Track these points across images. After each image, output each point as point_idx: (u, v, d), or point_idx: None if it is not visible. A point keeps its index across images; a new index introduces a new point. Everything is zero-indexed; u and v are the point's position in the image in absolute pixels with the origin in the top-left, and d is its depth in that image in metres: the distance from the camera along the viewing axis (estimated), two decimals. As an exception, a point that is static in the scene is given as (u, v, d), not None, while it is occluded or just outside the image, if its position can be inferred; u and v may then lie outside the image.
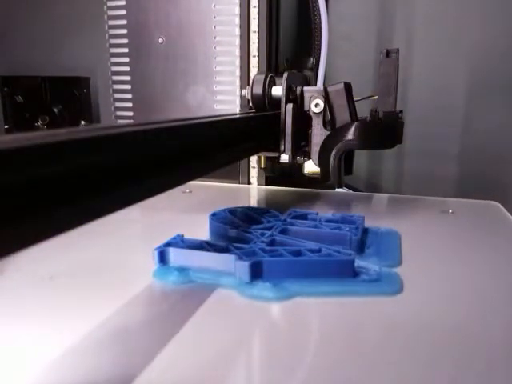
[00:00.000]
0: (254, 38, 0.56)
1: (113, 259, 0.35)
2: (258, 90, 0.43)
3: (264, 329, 0.25)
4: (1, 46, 1.03)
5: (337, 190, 0.74)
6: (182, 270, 0.30)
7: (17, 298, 0.29)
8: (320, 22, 0.57)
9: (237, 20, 0.56)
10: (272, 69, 0.58)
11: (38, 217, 0.15)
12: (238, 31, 0.57)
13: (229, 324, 0.25)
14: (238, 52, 0.57)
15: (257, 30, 0.56)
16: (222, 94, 0.59)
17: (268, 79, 0.43)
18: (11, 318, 0.26)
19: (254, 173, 0.61)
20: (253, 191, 0.60)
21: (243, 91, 0.46)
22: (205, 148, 0.29)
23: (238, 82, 0.58)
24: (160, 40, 0.61)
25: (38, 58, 1.01)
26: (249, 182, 0.61)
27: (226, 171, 0.60)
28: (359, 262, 0.31)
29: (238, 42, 0.57)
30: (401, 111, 0.43)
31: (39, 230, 0.15)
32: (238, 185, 0.61)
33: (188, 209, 0.49)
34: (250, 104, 0.44)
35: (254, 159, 0.60)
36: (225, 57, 0.58)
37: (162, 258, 0.31)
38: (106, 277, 0.32)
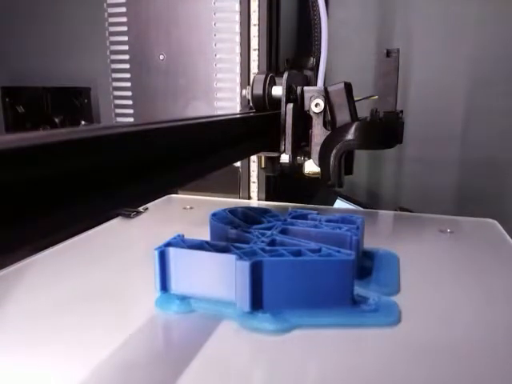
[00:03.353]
0: (254, 55, 0.57)
1: (115, 283, 0.35)
2: (259, 90, 0.43)
3: (266, 365, 0.25)
4: (3, 56, 1.03)
5: (336, 205, 0.75)
6: (184, 298, 0.31)
7: (24, 326, 0.29)
8: (320, 22, 0.57)
9: (237, 38, 0.57)
10: (272, 69, 0.58)
11: (37, 217, 0.15)
12: (238, 49, 0.58)
13: (231, 360, 0.25)
14: (238, 69, 0.58)
15: (257, 47, 0.57)
16: (223, 110, 0.60)
17: (268, 79, 0.43)
18: (22, 349, 0.26)
19: (254, 187, 0.62)
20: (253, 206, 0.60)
21: (243, 91, 0.46)
22: (205, 148, 0.29)
23: (238, 99, 0.59)
24: (161, 57, 0.61)
25: (40, 70, 1.01)
26: (249, 197, 0.62)
27: (226, 186, 0.61)
28: (358, 290, 0.31)
29: (238, 59, 0.58)
30: (401, 111, 0.43)
31: (39, 230, 0.15)
32: (238, 200, 0.62)
33: (189, 226, 0.49)
34: (251, 104, 0.44)
35: (254, 174, 0.61)
36: (225, 74, 0.59)
37: (164, 285, 0.31)
38: (109, 303, 0.32)
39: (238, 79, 0.58)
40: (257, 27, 0.56)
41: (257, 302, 0.28)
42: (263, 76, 0.43)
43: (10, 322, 0.30)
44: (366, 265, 0.36)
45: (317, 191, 0.76)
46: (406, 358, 0.25)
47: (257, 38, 0.56)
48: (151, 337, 0.28)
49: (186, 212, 0.56)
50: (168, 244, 0.31)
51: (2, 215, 0.13)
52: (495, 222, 0.50)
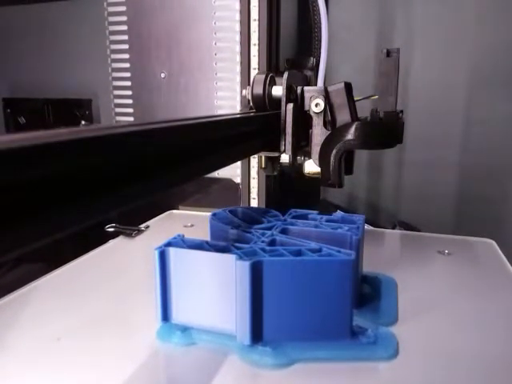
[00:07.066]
0: (254, 74, 0.58)
1: (117, 312, 0.35)
2: (259, 90, 0.43)
3: None
4: (5, 68, 1.04)
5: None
6: (185, 329, 0.31)
7: (30, 359, 0.29)
8: (320, 22, 0.57)
9: (238, 58, 0.58)
10: (272, 69, 0.58)
11: (37, 217, 0.15)
12: (238, 68, 0.59)
13: None
14: (238, 88, 0.59)
15: (257, 67, 0.58)
16: None
17: (268, 79, 0.43)
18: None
19: (254, 204, 0.63)
20: None
21: (243, 91, 0.46)
22: (205, 148, 0.29)
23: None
24: (162, 75, 0.62)
25: (41, 81, 1.01)
26: None
27: (226, 202, 0.62)
28: (357, 320, 0.31)
29: (238, 78, 0.59)
30: (401, 111, 0.43)
31: (39, 230, 0.15)
32: None
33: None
34: (251, 104, 0.44)
35: (254, 191, 0.62)
36: (226, 92, 0.60)
37: (165, 314, 0.31)
38: (112, 334, 0.32)
39: (238, 97, 0.60)
40: (257, 46, 0.57)
41: (257, 329, 0.28)
42: (263, 76, 0.43)
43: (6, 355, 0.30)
44: (365, 291, 0.37)
45: (316, 204, 0.76)
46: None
47: (257, 58, 0.58)
48: (153, 373, 0.28)
49: (187, 230, 0.56)
50: (168, 244, 0.31)
51: (2, 215, 0.13)
52: (493, 242, 0.51)
